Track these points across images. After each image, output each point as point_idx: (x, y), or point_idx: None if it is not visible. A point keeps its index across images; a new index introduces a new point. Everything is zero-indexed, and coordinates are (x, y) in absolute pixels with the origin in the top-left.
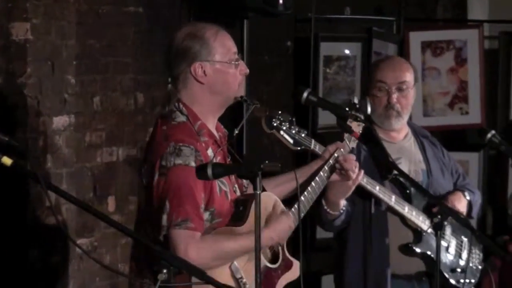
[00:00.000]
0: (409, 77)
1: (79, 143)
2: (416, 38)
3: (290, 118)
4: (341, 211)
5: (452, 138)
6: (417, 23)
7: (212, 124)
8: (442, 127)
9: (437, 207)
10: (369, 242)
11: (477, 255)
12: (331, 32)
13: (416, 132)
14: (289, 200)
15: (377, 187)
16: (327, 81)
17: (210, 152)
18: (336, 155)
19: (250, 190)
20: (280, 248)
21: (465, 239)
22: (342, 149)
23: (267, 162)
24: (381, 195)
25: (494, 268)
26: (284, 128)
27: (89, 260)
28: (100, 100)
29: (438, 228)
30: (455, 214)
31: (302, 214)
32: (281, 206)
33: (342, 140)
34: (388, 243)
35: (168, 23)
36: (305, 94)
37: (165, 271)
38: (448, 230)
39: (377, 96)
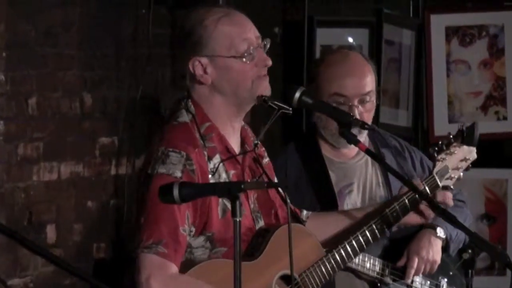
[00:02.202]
0: (371, 83)
1: (10, 157)
2: (439, 23)
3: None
4: None
5: (485, 151)
6: (440, 3)
7: (230, 129)
8: None
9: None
10: None
11: None
12: (330, 15)
13: (376, 140)
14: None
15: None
16: None
17: (215, 161)
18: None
19: (313, 224)
20: None
21: (443, 281)
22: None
23: (249, 180)
24: None
25: None
26: None
27: None
28: (36, 102)
29: (469, 267)
30: (491, 247)
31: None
32: (314, 244)
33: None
34: None
35: (124, 4)
36: (297, 94)
37: None
38: (417, 278)
39: None
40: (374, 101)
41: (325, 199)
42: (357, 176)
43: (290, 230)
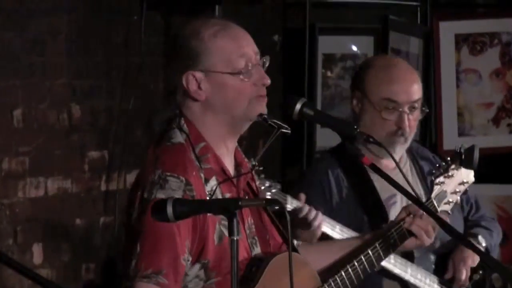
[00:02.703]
0: (420, 91)
1: None
2: (448, 30)
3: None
4: None
5: (497, 165)
6: (449, 10)
7: (223, 149)
8: (483, 150)
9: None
10: None
11: None
12: (333, 22)
13: (413, 152)
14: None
15: None
16: (328, 88)
17: (212, 183)
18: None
19: (305, 253)
20: None
21: None
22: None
23: (247, 197)
24: None
25: None
26: None
27: None
28: (22, 114)
29: None
30: (503, 268)
31: None
32: (310, 273)
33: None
34: None
35: (115, 10)
36: (298, 106)
37: None
38: None
39: (382, 119)
40: (420, 109)
41: (373, 209)
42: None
43: (290, 252)
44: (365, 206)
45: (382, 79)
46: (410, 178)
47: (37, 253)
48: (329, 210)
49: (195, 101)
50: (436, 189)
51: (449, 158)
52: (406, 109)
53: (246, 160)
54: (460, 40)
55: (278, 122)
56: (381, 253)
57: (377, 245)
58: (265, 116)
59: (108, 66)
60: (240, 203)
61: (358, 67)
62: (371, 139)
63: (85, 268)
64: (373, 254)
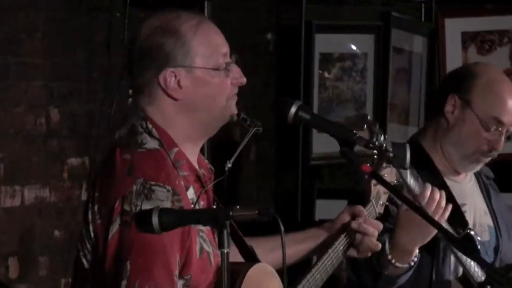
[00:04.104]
0: None
1: None
2: (454, 28)
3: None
4: (412, 263)
5: (508, 174)
6: (455, 6)
7: (192, 154)
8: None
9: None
10: None
11: None
12: (331, 19)
13: (479, 170)
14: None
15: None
16: (326, 90)
17: (191, 193)
18: (355, 225)
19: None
20: None
21: None
22: (364, 215)
23: (238, 207)
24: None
25: None
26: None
27: None
28: None
29: None
30: None
31: None
32: (279, 285)
33: (364, 199)
34: None
35: (96, 7)
36: (293, 109)
37: None
38: None
39: (480, 136)
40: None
41: (452, 215)
42: (468, 198)
43: (285, 261)
44: None
45: (495, 96)
46: (475, 191)
47: (12, 267)
48: None
49: (170, 100)
50: (372, 189)
51: (375, 156)
52: (505, 131)
53: (209, 165)
54: (467, 38)
55: (254, 120)
56: (334, 261)
57: (329, 254)
58: (244, 116)
59: (88, 67)
60: (231, 213)
61: (462, 71)
62: (371, 145)
63: (64, 283)
64: (327, 263)
